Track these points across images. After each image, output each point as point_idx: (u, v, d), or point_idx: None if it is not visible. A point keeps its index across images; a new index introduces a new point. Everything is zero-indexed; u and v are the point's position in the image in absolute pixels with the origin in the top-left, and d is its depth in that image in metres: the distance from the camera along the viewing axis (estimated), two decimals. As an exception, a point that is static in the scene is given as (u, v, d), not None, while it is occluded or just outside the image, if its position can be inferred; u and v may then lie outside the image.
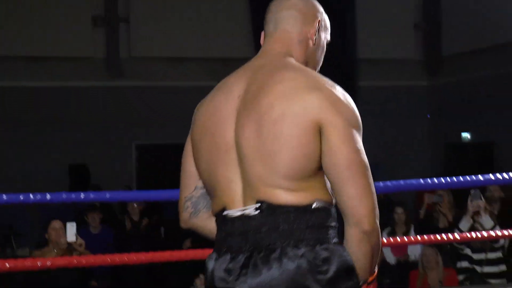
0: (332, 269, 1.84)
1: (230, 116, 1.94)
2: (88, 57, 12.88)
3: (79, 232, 5.37)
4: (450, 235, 3.94)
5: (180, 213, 2.14)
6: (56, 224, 5.57)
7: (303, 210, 1.87)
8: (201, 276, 6.57)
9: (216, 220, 2.00)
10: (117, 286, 7.24)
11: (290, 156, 1.85)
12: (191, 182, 2.09)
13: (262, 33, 2.15)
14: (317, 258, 1.84)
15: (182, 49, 13.10)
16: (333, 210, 1.93)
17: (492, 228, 5.50)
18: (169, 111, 13.00)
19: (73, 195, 2.84)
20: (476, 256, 5.85)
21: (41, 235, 5.91)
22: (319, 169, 1.89)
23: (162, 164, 13.36)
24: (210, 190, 2.01)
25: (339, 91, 1.92)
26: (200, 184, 2.07)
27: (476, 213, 5.60)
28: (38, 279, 5.37)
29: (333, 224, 1.92)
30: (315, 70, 2.11)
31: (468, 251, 5.92)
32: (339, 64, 11.46)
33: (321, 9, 2.12)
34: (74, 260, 2.95)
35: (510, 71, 11.86)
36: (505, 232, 3.96)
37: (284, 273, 1.83)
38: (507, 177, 3.66)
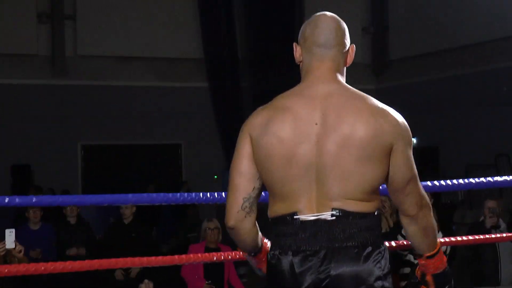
0: (385, 266, 2.30)
1: (310, 139, 2.25)
2: (32, 54, 12.62)
3: (18, 229, 5.18)
4: (392, 242, 3.89)
5: (234, 212, 2.34)
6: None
7: (368, 216, 2.29)
8: (146, 281, 6.46)
9: (277, 221, 2.31)
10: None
11: (373, 175, 2.26)
12: (249, 183, 2.33)
13: (296, 46, 2.40)
14: (377, 256, 2.28)
15: (129, 49, 12.93)
16: None
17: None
18: (115, 111, 12.82)
19: (-4, 199, 2.70)
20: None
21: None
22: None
23: (108, 165, 13.17)
24: (280, 197, 2.31)
25: (398, 115, 2.33)
26: (257, 185, 2.34)
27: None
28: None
29: (379, 227, 2.36)
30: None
31: (410, 257, 5.90)
32: (285, 65, 11.43)
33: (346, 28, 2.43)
34: (5, 270, 2.81)
35: (455, 75, 11.98)
36: (447, 239, 3.93)
37: (362, 266, 2.25)
38: (449, 183, 3.61)
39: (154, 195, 3.02)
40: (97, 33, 12.74)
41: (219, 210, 10.09)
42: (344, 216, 2.25)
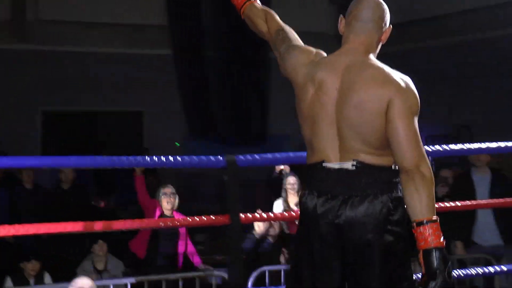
0: (398, 213, 2.63)
1: (332, 102, 2.70)
2: (-9, 18, 12.34)
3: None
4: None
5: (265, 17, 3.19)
6: None
7: (385, 169, 2.66)
8: (100, 242, 6.38)
9: (311, 168, 2.75)
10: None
11: (377, 133, 2.63)
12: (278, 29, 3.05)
13: (341, 19, 2.81)
14: (391, 204, 2.62)
15: (92, 14, 12.70)
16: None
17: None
18: (77, 77, 12.63)
19: None
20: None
21: None
22: None
23: (69, 131, 13.02)
24: (312, 148, 2.76)
25: (404, 81, 2.67)
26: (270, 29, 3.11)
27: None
28: None
29: (399, 180, 2.65)
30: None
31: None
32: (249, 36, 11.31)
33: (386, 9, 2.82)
34: None
35: (448, 43, 11.85)
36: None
37: (373, 210, 2.60)
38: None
39: (98, 157, 2.94)
40: (61, -3, 12.52)
41: (178, 178, 10.03)
42: (362, 167, 2.65)
